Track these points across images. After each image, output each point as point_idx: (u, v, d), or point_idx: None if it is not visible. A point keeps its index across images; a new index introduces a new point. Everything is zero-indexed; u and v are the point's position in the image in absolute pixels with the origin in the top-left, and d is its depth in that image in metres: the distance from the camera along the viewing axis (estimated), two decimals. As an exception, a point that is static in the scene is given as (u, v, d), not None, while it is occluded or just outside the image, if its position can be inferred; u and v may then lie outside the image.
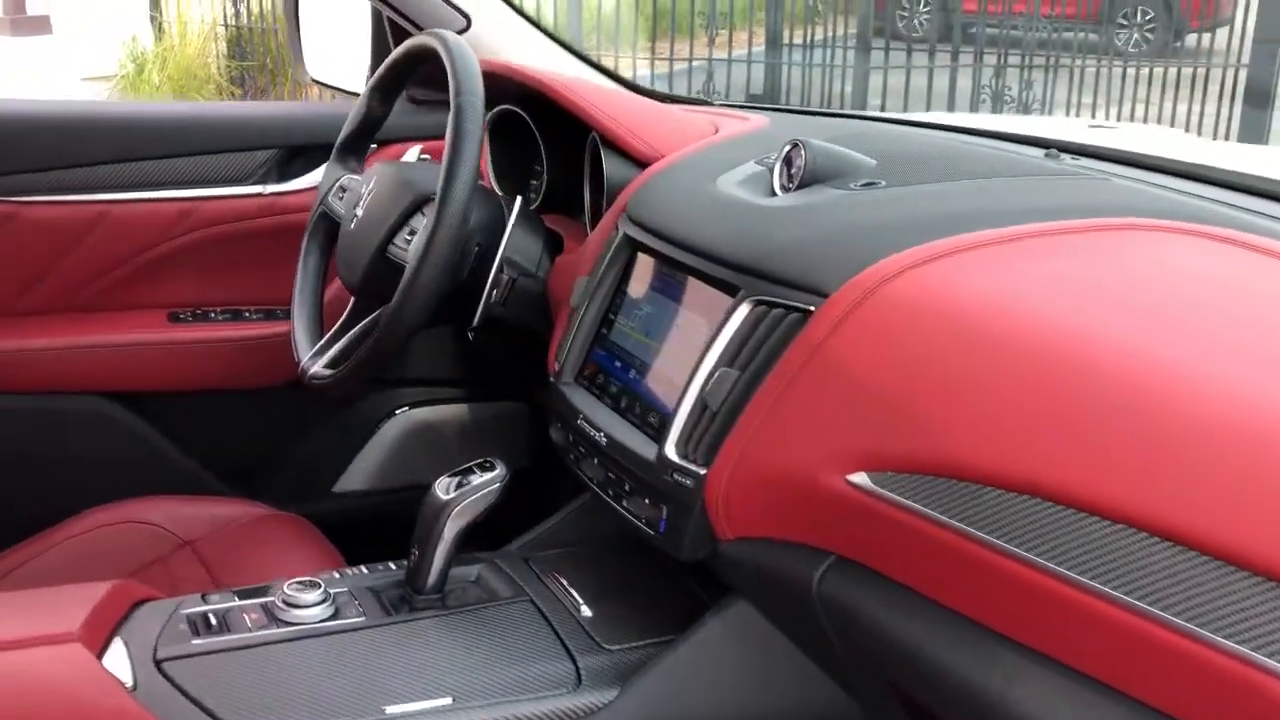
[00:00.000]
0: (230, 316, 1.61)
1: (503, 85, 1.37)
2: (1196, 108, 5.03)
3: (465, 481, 1.00)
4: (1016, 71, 5.48)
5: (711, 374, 0.90)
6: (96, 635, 0.86)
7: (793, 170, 1.02)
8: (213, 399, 1.61)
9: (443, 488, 1.00)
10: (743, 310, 0.90)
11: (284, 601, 0.96)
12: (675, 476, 0.91)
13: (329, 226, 1.37)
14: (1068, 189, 0.99)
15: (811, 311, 0.86)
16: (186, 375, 1.58)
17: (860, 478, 0.79)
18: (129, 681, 0.84)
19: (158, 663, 0.87)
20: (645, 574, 1.07)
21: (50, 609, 0.88)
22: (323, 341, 1.28)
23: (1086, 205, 0.93)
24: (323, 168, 1.61)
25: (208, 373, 1.59)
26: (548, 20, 6.31)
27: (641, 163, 1.20)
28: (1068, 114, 5.54)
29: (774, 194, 1.03)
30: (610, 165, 1.20)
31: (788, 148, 1.03)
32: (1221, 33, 5.46)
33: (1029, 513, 0.68)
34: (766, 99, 6.29)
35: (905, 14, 6.92)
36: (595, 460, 1.02)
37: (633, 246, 1.08)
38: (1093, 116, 5.40)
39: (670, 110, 1.30)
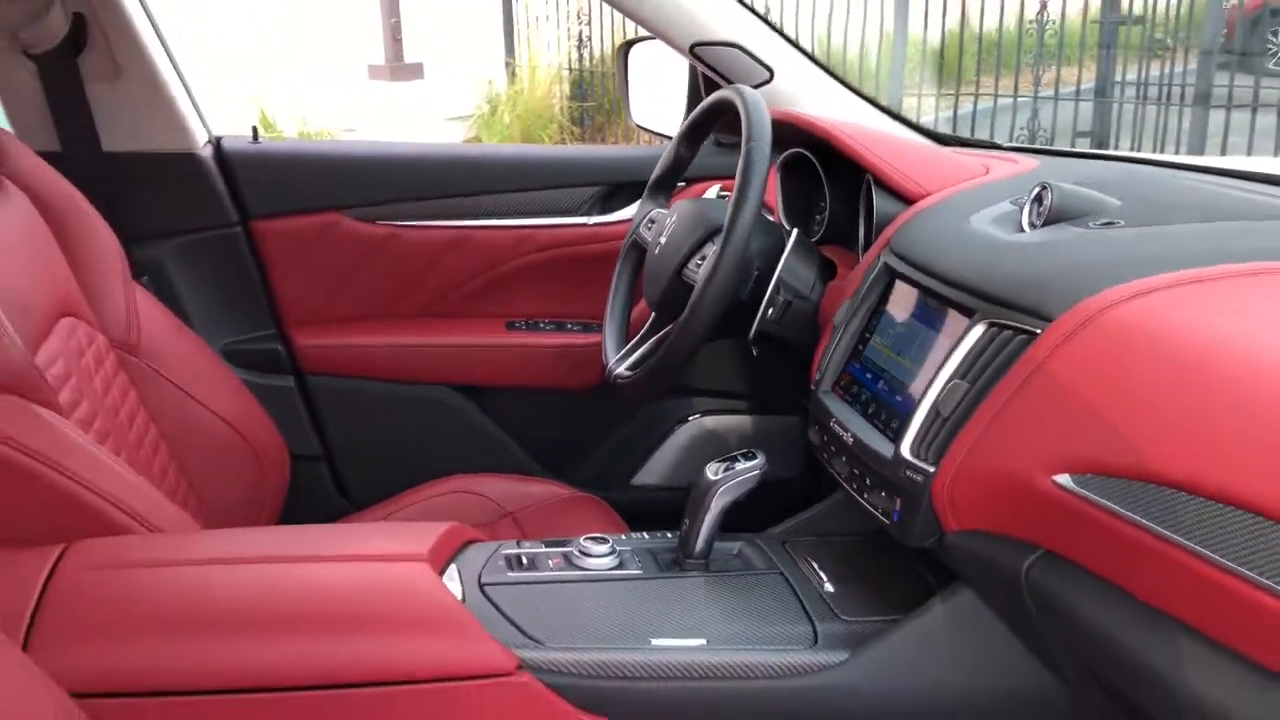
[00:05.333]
0: (555, 327, 1.89)
1: (794, 131, 1.55)
2: None
3: (731, 467, 1.18)
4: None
5: (946, 385, 1.04)
6: (438, 559, 1.11)
7: (1040, 209, 1.14)
8: (535, 396, 1.89)
9: (712, 470, 1.19)
10: (977, 331, 1.03)
11: (580, 552, 1.18)
12: (908, 473, 1.05)
13: (638, 253, 1.60)
14: None
15: (1037, 334, 0.97)
16: (516, 374, 1.87)
17: (1065, 479, 0.90)
18: (459, 595, 1.08)
19: (481, 585, 1.11)
20: (884, 562, 1.21)
21: (407, 538, 1.14)
22: (627, 348, 1.51)
23: None
24: (638, 203, 1.87)
25: (533, 373, 1.87)
26: (870, 59, 6.44)
27: (908, 200, 1.34)
28: None
29: (1022, 231, 1.14)
30: (880, 201, 1.35)
31: (1037, 189, 1.15)
32: None
33: (1215, 517, 0.78)
34: (1095, 137, 6.11)
35: (1274, 46, 6.47)
36: (843, 458, 1.18)
37: (891, 274, 1.23)
38: None
39: (942, 152, 1.43)
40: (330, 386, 1.87)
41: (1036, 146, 1.53)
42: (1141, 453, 0.84)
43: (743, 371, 1.92)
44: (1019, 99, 6.10)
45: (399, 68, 8.40)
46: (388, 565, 1.09)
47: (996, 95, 6.21)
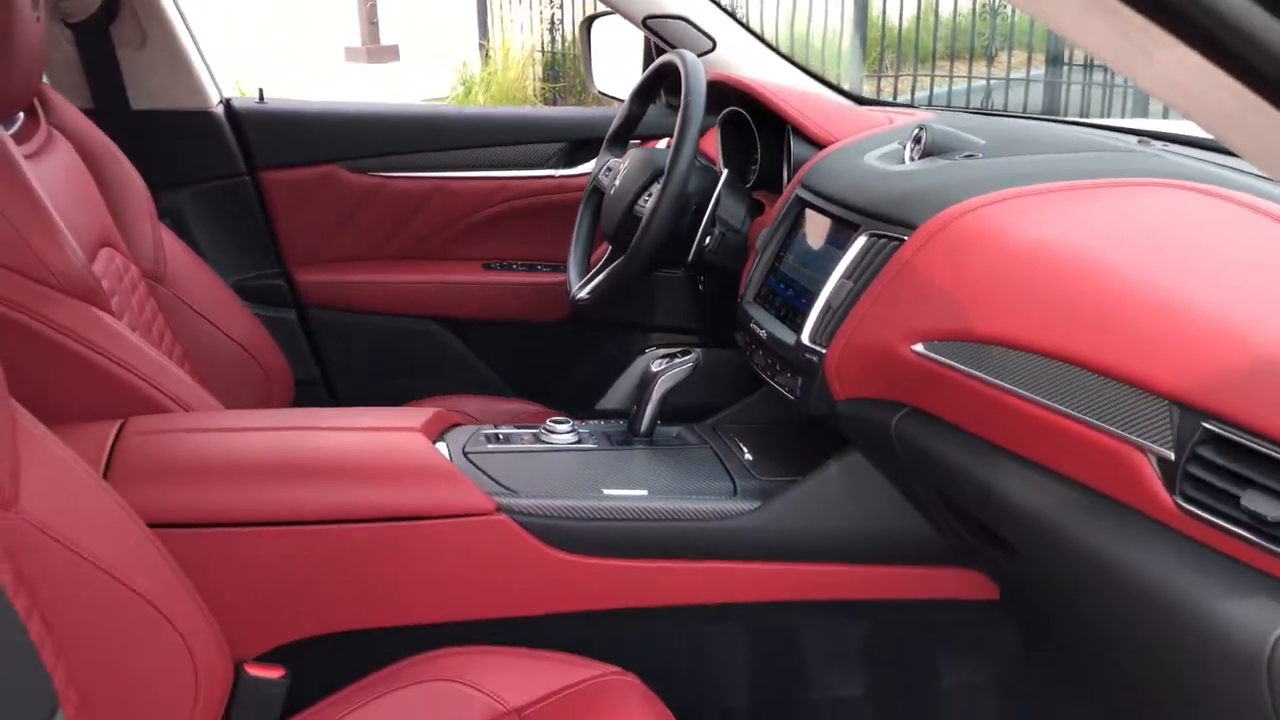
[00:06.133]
0: (527, 268, 2.15)
1: (731, 91, 1.80)
2: None
3: (670, 360, 1.44)
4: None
5: (835, 284, 1.30)
6: (430, 433, 1.36)
7: (917, 147, 1.40)
8: (510, 328, 2.15)
9: (655, 364, 1.45)
10: (860, 240, 1.29)
11: (546, 430, 1.43)
12: (806, 355, 1.31)
13: (598, 197, 1.85)
14: (1119, 159, 1.31)
15: (904, 240, 1.23)
16: (492, 309, 2.13)
17: (919, 346, 1.16)
18: (448, 458, 1.34)
19: (465, 453, 1.37)
20: (793, 439, 1.47)
21: (403, 415, 1.40)
22: (587, 277, 1.76)
23: (1126, 170, 1.25)
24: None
25: (508, 308, 2.13)
26: (834, 38, 6.70)
27: (820, 145, 1.60)
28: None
29: (902, 163, 1.40)
30: (797, 147, 1.61)
31: (916, 130, 1.41)
32: None
33: (1018, 362, 1.03)
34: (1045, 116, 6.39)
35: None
36: (760, 351, 1.44)
37: (801, 204, 1.49)
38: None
39: (855, 107, 1.69)
40: (327, 319, 2.12)
41: (940, 105, 1.79)
42: (970, 320, 1.10)
43: (692, 310, 2.18)
44: (973, 81, 6.39)
45: (375, 50, 8.60)
46: (388, 433, 1.34)
47: (951, 78, 6.49)
